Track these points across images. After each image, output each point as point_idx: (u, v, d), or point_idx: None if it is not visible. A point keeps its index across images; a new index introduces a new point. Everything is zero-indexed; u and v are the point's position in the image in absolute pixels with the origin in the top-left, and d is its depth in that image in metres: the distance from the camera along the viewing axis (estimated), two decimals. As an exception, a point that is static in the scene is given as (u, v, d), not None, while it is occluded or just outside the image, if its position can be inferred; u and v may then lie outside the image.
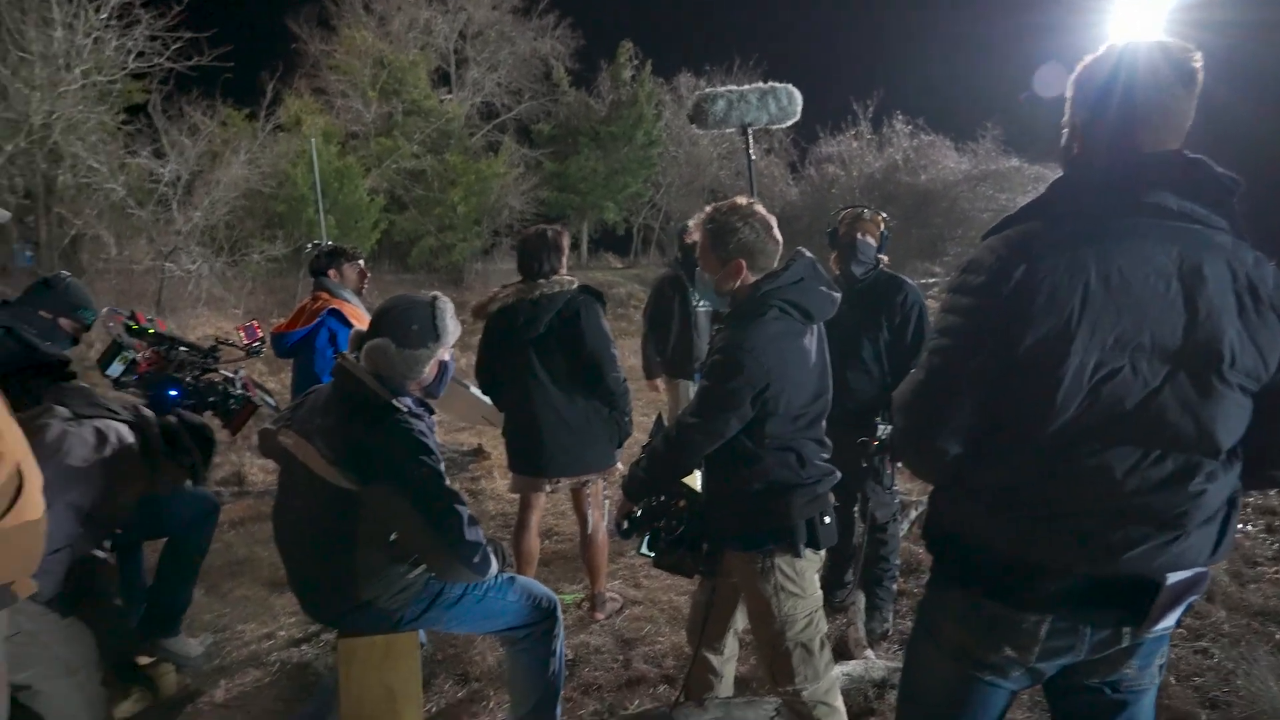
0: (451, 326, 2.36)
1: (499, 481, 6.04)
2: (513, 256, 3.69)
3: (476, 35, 23.69)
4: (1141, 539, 1.38)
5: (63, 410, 2.63)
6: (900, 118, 29.11)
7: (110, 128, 13.10)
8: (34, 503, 1.73)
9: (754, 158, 4.48)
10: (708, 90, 4.36)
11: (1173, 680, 3.15)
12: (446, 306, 2.37)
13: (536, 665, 2.53)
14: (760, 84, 4.36)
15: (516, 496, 3.91)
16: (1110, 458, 1.37)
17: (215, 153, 13.94)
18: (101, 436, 2.60)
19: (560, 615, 2.60)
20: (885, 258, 3.51)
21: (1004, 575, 1.47)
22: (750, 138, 4.42)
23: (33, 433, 2.45)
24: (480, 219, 20.42)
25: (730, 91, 4.30)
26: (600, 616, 3.81)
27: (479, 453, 6.83)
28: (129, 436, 2.68)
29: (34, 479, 1.74)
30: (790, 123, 4.46)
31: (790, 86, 4.32)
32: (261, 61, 15.94)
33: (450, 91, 22.94)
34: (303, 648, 3.62)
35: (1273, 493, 5.68)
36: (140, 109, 13.66)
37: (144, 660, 3.22)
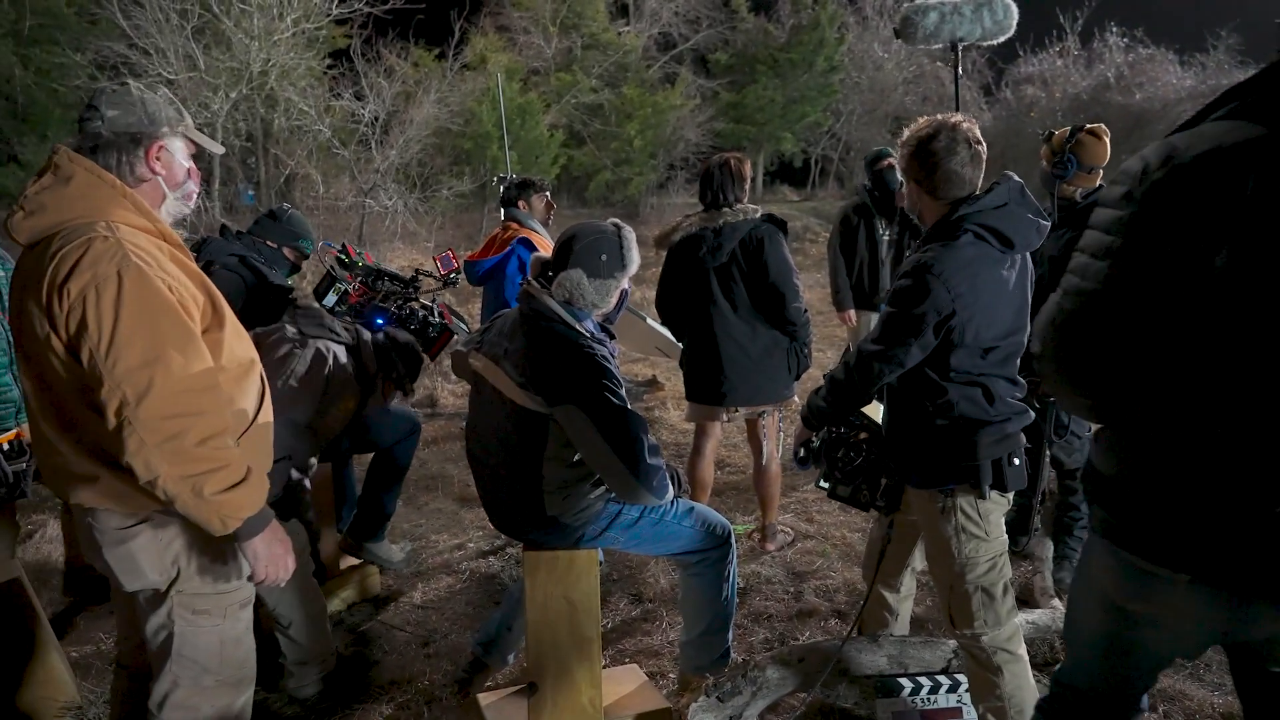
0: (635, 256, 2.40)
1: (673, 412, 6.14)
2: (688, 189, 3.68)
3: (655, -38, 23.37)
4: None
5: (291, 330, 2.90)
6: (1114, 30, 26.16)
7: (317, 72, 14.02)
8: (270, 408, 1.94)
9: (960, 74, 4.19)
10: (918, 2, 4.07)
11: None
12: (630, 235, 2.40)
13: (710, 590, 2.57)
14: None
15: (691, 426, 3.96)
16: None
17: (409, 93, 14.62)
18: (320, 358, 2.85)
19: (734, 543, 2.63)
20: (1099, 178, 3.21)
21: (1147, 527, 1.32)
22: (959, 54, 4.12)
23: (264, 350, 2.72)
24: (655, 152, 20.40)
25: (943, 4, 4.00)
26: (771, 548, 3.82)
27: (653, 384, 6.95)
28: (344, 358, 2.93)
29: (269, 387, 1.95)
30: (1005, 38, 4.12)
31: None
32: (450, 2, 16.45)
33: (628, 23, 22.84)
34: (490, 559, 3.87)
35: None
36: (343, 53, 14.50)
37: (353, 562, 3.55)
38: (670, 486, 2.34)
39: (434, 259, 3.89)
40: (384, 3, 13.46)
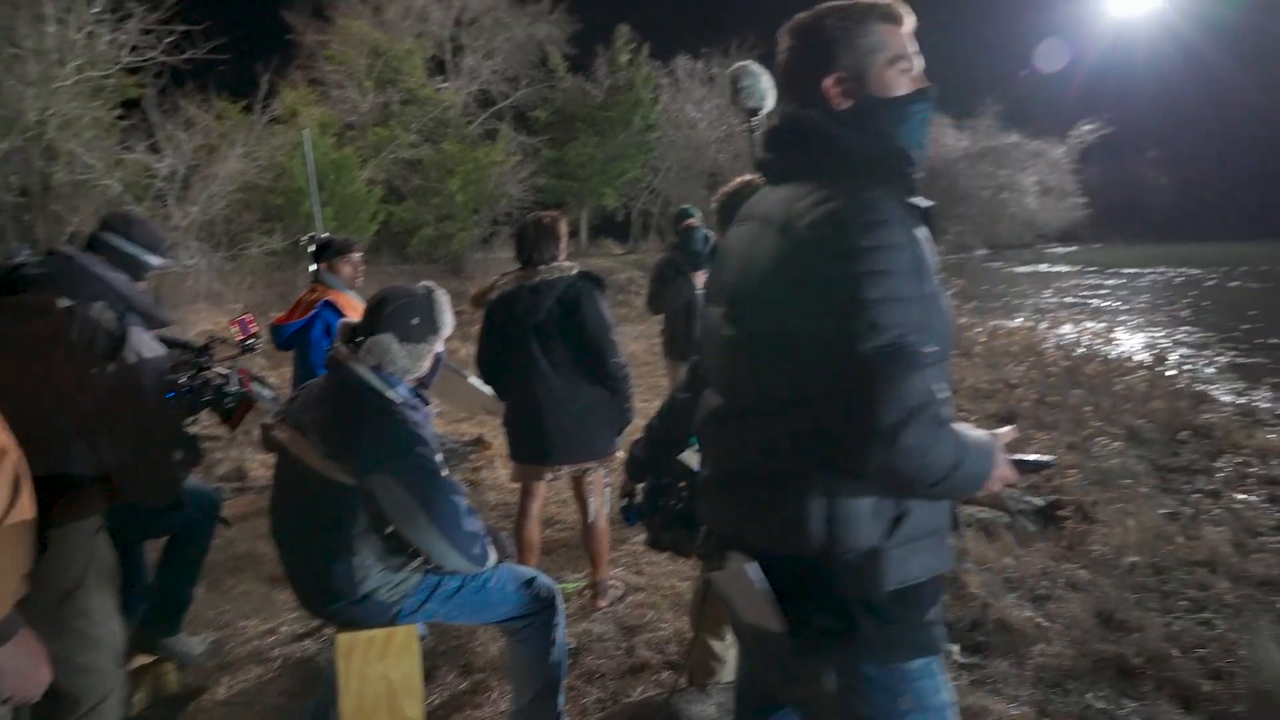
0: (449, 319, 2.37)
1: (500, 471, 6.03)
2: (513, 244, 3.68)
3: (472, 22, 23.59)
4: None
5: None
6: (900, 97, 28.75)
7: (105, 123, 13.03)
8: (29, 502, 1.72)
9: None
10: (746, 64, 4.21)
11: (1176, 653, 3.14)
12: (444, 298, 2.37)
13: (537, 655, 2.52)
14: None
15: (518, 486, 3.91)
16: None
17: (212, 146, 13.89)
18: None
19: (561, 604, 2.59)
20: None
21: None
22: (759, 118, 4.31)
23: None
24: (479, 208, 20.38)
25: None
26: (603, 604, 3.80)
27: (480, 443, 6.82)
28: None
29: (29, 478, 1.73)
30: None
31: None
32: (256, 54, 15.82)
33: (446, 80, 22.86)
34: (305, 643, 3.61)
35: (1274, 461, 5.68)
36: (135, 104, 13.59)
37: (146, 659, 3.22)
38: (491, 552, 2.29)
39: (231, 324, 3.68)
40: (181, 52, 12.75)
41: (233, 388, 3.21)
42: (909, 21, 1.45)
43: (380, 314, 2.25)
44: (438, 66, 23.31)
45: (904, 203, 1.33)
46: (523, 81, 23.98)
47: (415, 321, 2.25)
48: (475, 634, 3.52)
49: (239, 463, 6.32)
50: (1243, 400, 8.03)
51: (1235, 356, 10.52)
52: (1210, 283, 21.48)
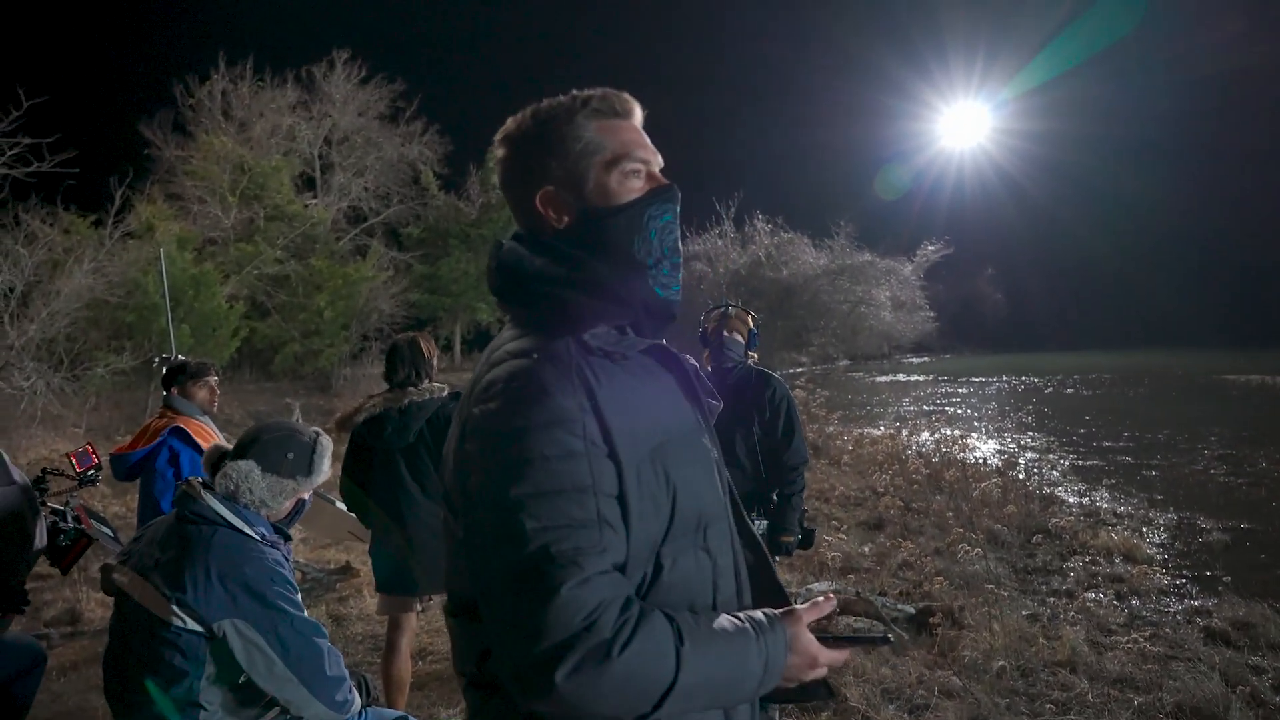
0: (326, 467, 2.26)
1: (369, 600, 5.69)
2: (383, 361, 3.60)
3: (342, 141, 23.65)
4: None
5: None
6: (760, 217, 30.66)
7: (-66, 236, 12.17)
8: None
9: None
10: None
11: (1050, 758, 3.21)
12: (327, 445, 2.27)
13: (407, 808, 2.32)
14: None
15: (386, 617, 3.69)
16: None
17: (56, 261, 13.12)
18: None
19: (433, 749, 2.42)
20: (754, 355, 3.61)
21: None
22: None
23: None
24: (348, 323, 19.94)
25: None
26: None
27: (347, 570, 6.44)
28: None
29: None
30: None
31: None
32: (110, 167, 15.24)
33: (315, 196, 22.65)
34: (140, 810, 3.21)
35: (1117, 559, 6.05)
36: (-28, 217, 12.78)
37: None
38: (355, 697, 2.12)
39: (69, 455, 3.38)
40: (26, 165, 12.15)
41: (68, 524, 2.95)
42: (635, 113, 1.20)
43: (253, 441, 2.12)
44: (306, 183, 23.13)
45: (610, 348, 1.11)
46: (394, 198, 24.08)
47: (290, 456, 2.13)
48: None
49: (71, 604, 5.70)
50: (1085, 501, 8.59)
51: (1075, 459, 11.30)
52: (1049, 390, 23.21)
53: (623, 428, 1.03)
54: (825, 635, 1.15)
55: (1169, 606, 5.22)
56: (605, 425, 1.02)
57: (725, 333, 3.50)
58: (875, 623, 4.59)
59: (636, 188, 1.15)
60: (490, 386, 1.05)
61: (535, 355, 1.06)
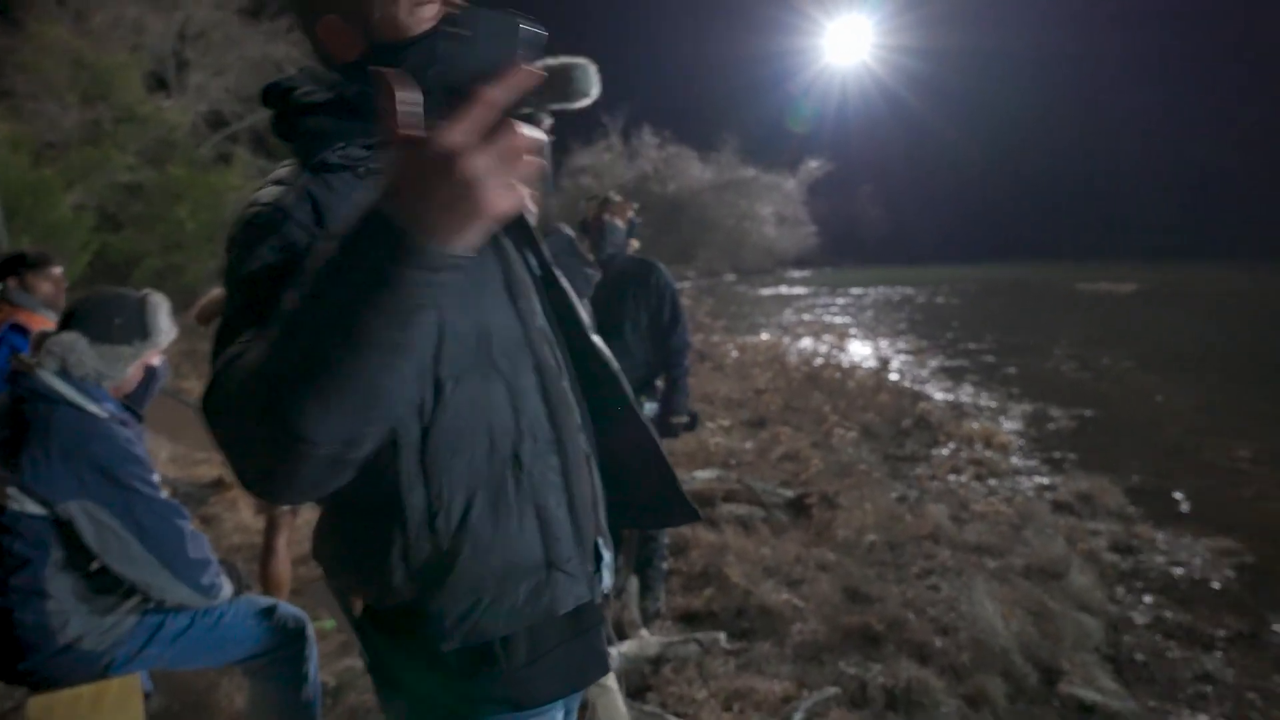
0: (165, 326, 2.09)
1: (244, 513, 5.50)
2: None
3: (198, 36, 21.73)
4: None
5: None
6: (649, 130, 30.36)
7: None
8: None
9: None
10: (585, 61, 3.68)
11: (911, 616, 3.44)
12: (160, 303, 2.09)
13: (287, 695, 2.27)
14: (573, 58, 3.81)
15: (263, 526, 3.57)
16: None
17: None
18: None
19: (312, 635, 2.37)
20: (636, 242, 3.57)
21: None
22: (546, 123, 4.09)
23: None
24: (213, 236, 18.73)
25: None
26: (365, 637, 3.55)
27: (220, 484, 6.20)
28: None
29: None
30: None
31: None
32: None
33: (170, 97, 20.89)
34: (-1, 723, 3.06)
35: (978, 445, 6.46)
36: None
37: None
38: (225, 583, 2.04)
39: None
40: None
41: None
42: None
43: (72, 313, 1.95)
44: (159, 83, 21.25)
45: (353, 161, 1.05)
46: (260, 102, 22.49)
47: (117, 321, 1.96)
48: (218, 684, 3.15)
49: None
50: (951, 397, 9.09)
51: (943, 361, 11.91)
52: (921, 300, 24.27)
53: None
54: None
55: (1022, 484, 5.63)
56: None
57: (607, 218, 3.44)
58: (755, 507, 4.77)
59: (428, 17, 1.06)
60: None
61: (269, 180, 1.04)
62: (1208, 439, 6.81)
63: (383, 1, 1.05)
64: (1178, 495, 5.40)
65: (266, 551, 3.44)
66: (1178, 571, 4.15)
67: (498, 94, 0.71)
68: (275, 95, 1.12)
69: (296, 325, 0.77)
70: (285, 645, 2.25)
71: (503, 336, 1.10)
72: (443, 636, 1.06)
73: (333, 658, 3.35)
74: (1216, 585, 4.01)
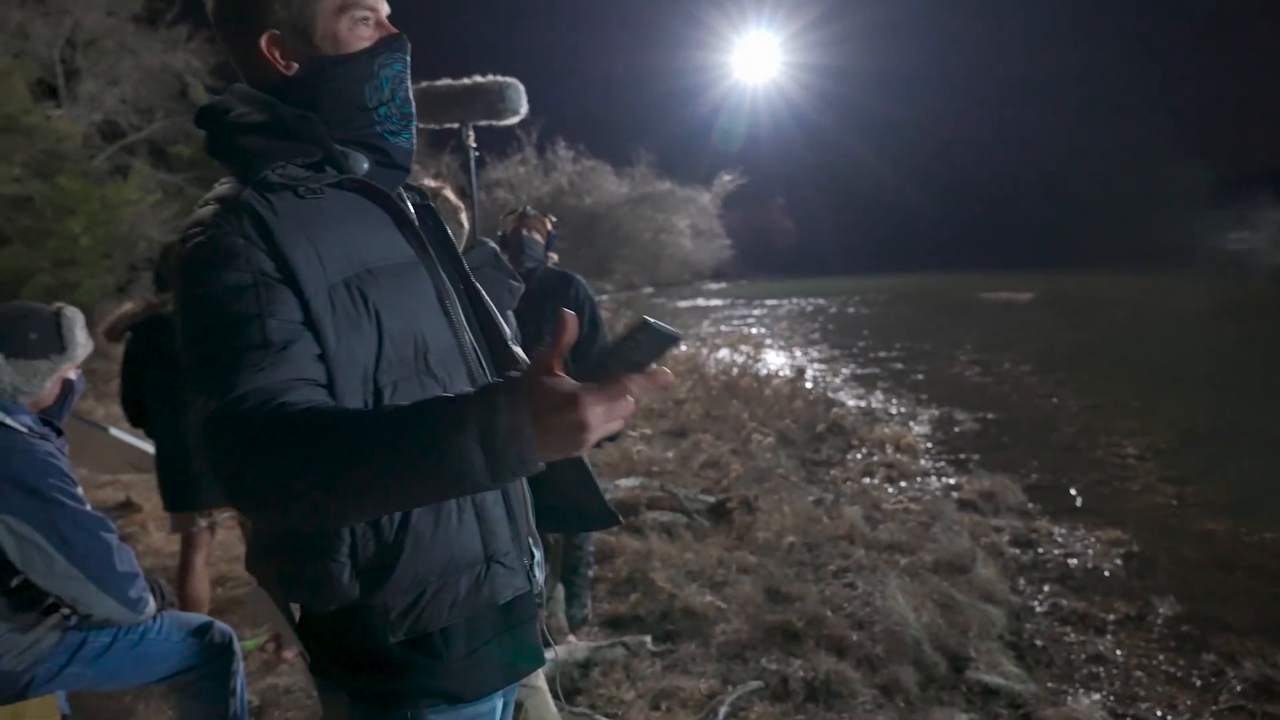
0: (81, 339, 2.07)
1: (155, 535, 5.33)
2: (153, 272, 3.31)
3: (89, 44, 20.82)
4: None
5: None
6: (563, 144, 30.36)
7: None
8: None
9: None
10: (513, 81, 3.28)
11: (829, 613, 3.59)
12: (75, 317, 2.07)
13: (213, 710, 2.25)
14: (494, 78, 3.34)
15: (177, 547, 3.49)
16: None
17: None
18: None
19: (239, 650, 2.35)
20: (554, 255, 3.63)
21: None
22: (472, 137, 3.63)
23: None
24: (110, 252, 17.93)
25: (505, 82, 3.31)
26: (288, 655, 3.50)
27: (128, 506, 5.97)
28: None
29: None
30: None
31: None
32: None
33: (59, 107, 19.94)
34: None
35: (889, 449, 6.72)
36: None
37: None
38: (151, 598, 2.02)
39: None
40: None
41: None
42: None
43: None
44: (48, 91, 20.27)
45: (294, 181, 1.09)
46: (159, 113, 21.64)
47: (32, 337, 1.93)
48: (141, 702, 3.06)
49: None
50: (863, 403, 9.41)
51: (855, 368, 12.30)
52: (833, 310, 24.96)
53: (305, 256, 1.04)
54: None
55: (930, 485, 5.89)
56: (281, 255, 1.02)
57: (525, 232, 3.49)
58: (678, 514, 4.87)
59: (366, 35, 1.14)
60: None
61: (208, 200, 1.08)
62: (1098, 437, 7.25)
63: (324, 18, 1.11)
64: (1072, 491, 5.75)
65: (184, 570, 3.37)
66: (1073, 562, 4.43)
67: (639, 389, 0.88)
68: (209, 117, 1.15)
69: (358, 454, 0.88)
70: (212, 660, 2.23)
71: (438, 345, 1.16)
72: (388, 629, 1.12)
73: (256, 676, 3.31)
74: (1107, 573, 4.29)
